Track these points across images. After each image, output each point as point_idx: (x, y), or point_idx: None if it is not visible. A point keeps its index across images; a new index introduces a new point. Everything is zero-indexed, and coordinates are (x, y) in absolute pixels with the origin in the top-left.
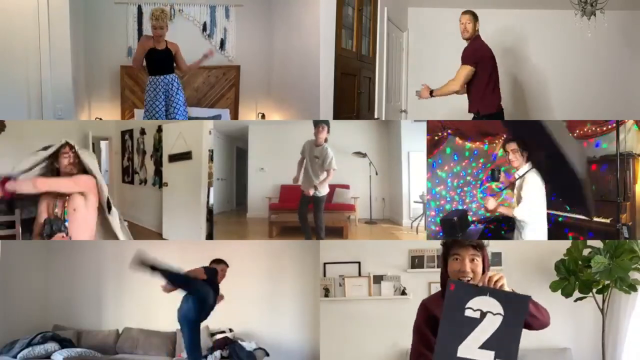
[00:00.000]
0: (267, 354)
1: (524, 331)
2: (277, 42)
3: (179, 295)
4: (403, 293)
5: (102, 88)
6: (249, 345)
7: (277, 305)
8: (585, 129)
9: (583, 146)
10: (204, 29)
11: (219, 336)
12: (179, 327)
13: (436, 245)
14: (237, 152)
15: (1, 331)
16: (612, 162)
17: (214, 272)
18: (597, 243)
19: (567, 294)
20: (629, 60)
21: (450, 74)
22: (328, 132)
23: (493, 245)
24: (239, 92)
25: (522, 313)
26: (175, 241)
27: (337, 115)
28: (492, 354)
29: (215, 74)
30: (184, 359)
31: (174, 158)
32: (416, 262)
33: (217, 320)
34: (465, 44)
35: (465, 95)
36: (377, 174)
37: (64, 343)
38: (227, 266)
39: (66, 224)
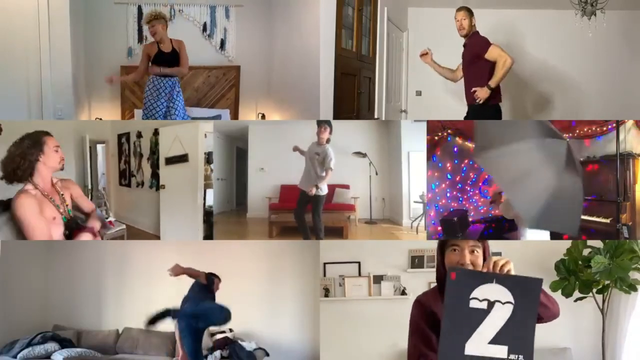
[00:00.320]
0: (267, 354)
1: None
2: (277, 42)
3: (179, 295)
4: (403, 293)
5: (102, 88)
6: (249, 345)
7: (277, 305)
8: (586, 129)
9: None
10: (204, 29)
11: (219, 336)
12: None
13: (436, 245)
14: (237, 152)
15: (1, 331)
16: (612, 162)
17: (212, 281)
18: (597, 243)
19: (567, 294)
20: (629, 60)
21: None
22: (330, 132)
23: (493, 245)
24: (239, 92)
25: (535, 299)
26: (177, 242)
27: (337, 115)
28: (505, 348)
29: (215, 74)
30: None
31: (170, 161)
32: (416, 262)
33: None
34: (463, 41)
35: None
36: (377, 174)
37: (64, 343)
38: (220, 281)
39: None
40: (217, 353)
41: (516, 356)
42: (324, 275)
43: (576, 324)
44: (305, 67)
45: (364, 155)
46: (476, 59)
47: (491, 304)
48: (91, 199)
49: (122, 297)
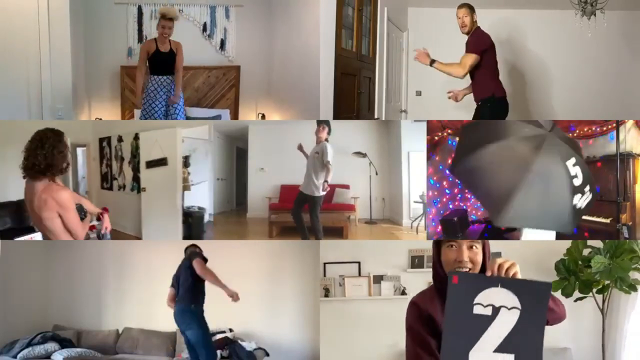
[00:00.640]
0: (267, 354)
1: None
2: (277, 42)
3: None
4: (403, 293)
5: (102, 88)
6: (249, 345)
7: (277, 305)
8: (586, 129)
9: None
10: (204, 29)
11: (219, 336)
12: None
13: None
14: (237, 152)
15: (1, 331)
16: (612, 162)
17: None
18: (597, 243)
19: (567, 294)
20: (629, 60)
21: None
22: (329, 132)
23: (493, 245)
24: (239, 92)
25: (543, 304)
26: (177, 242)
27: (337, 115)
28: (511, 357)
29: (215, 74)
30: (184, 359)
31: (151, 164)
32: (416, 262)
33: (217, 320)
34: (466, 38)
35: (464, 93)
36: (377, 174)
37: (64, 343)
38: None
39: None
40: (217, 353)
41: None
42: (324, 275)
43: (576, 324)
44: (305, 67)
45: (364, 155)
46: (480, 54)
47: (496, 310)
48: None
49: (122, 297)
